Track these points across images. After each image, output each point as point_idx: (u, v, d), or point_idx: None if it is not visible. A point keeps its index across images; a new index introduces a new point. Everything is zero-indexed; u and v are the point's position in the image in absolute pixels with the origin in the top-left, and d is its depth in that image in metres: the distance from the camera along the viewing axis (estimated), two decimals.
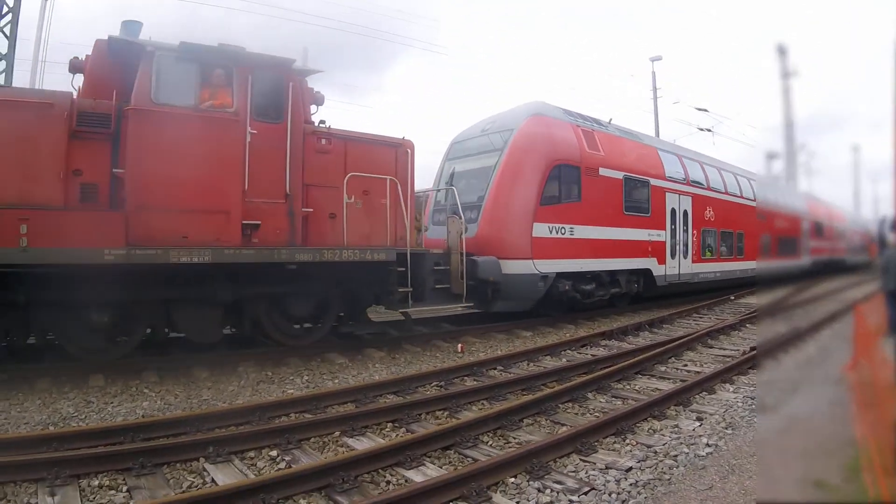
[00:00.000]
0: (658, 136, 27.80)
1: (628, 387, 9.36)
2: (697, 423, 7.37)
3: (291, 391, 8.88)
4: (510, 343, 13.08)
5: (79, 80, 9.84)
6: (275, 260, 9.84)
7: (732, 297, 21.75)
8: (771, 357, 11.36)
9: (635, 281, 17.91)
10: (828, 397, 8.54)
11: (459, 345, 12.21)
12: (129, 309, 9.39)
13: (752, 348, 11.57)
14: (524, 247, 14.53)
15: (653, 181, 18.45)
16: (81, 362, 9.28)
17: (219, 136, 9.55)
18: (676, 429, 7.18)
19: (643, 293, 18.35)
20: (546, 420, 7.56)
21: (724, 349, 12.34)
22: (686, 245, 19.97)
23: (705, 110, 37.74)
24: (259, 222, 9.88)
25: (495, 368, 10.47)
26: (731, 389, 9.16)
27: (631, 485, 5.41)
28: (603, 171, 16.52)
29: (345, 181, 10.82)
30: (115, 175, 8.89)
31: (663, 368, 10.58)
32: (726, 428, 7.18)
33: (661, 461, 6.06)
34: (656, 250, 18.35)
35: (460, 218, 12.87)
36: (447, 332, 13.41)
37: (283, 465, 5.93)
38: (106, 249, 8.32)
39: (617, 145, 17.80)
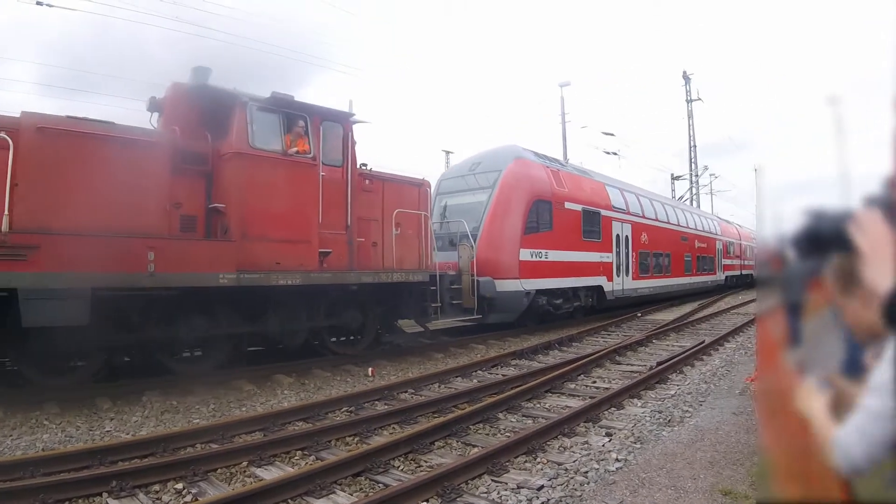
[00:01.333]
0: (566, 159, 30.12)
1: (539, 405, 9.34)
2: (607, 439, 7.39)
3: (197, 420, 8.49)
4: (422, 365, 12.93)
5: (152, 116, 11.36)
6: (347, 281, 12.10)
7: (639, 314, 22.35)
8: (677, 370, 11.64)
9: (590, 295, 21.06)
10: (733, 408, 8.76)
11: (370, 369, 11.99)
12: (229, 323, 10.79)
13: (659, 363, 11.73)
14: (513, 269, 17.29)
15: (603, 212, 21.97)
16: None
17: (301, 177, 11.33)
18: (586, 445, 7.16)
19: (596, 306, 21.48)
20: (457, 442, 7.45)
21: (632, 365, 12.53)
22: (627, 265, 23.57)
23: (612, 134, 38.96)
24: (330, 250, 11.68)
25: (406, 391, 10.30)
26: (639, 404, 9.24)
27: (542, 503, 5.33)
28: (567, 205, 19.81)
29: (393, 215, 13.21)
30: (211, 208, 10.44)
31: (573, 386, 10.63)
32: (635, 442, 7.21)
33: (571, 478, 6.00)
34: (606, 270, 21.84)
35: (471, 246, 16.17)
36: (358, 356, 13.16)
37: (189, 497, 5.64)
38: (221, 274, 9.74)
39: (576, 182, 21.34)
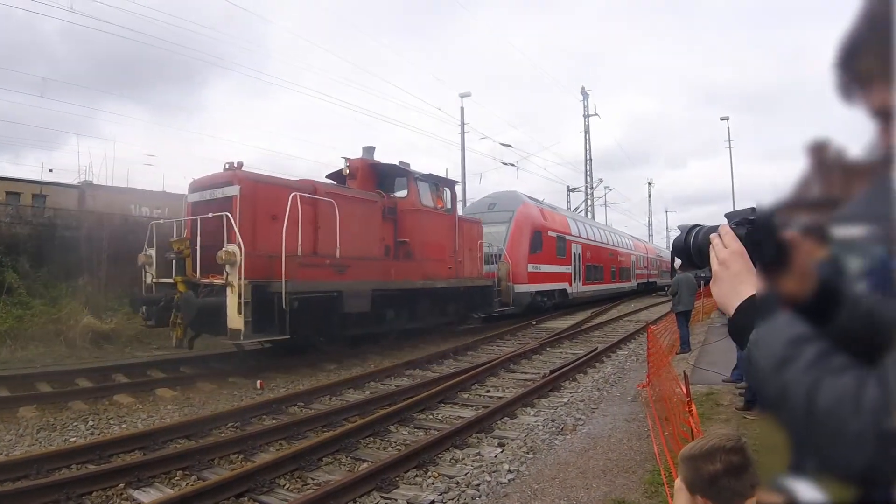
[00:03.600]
0: (464, 169, 36.52)
1: (431, 416, 9.21)
2: (499, 450, 7.32)
3: (75, 439, 8.05)
4: (313, 377, 12.53)
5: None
6: (462, 285, 19.30)
7: (534, 322, 22.61)
8: (570, 378, 11.73)
9: (559, 296, 28.81)
10: (625, 414, 8.85)
11: (259, 381, 11.52)
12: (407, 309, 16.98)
13: (552, 371, 11.79)
14: (525, 277, 25.01)
15: (566, 237, 30.37)
16: None
17: (443, 222, 18.56)
18: (479, 457, 7.07)
19: (561, 303, 28.91)
20: (347, 457, 7.23)
21: (526, 373, 12.59)
22: (579, 274, 31.89)
23: (509, 146, 39.53)
24: (451, 267, 18.59)
25: (296, 405, 9.94)
26: (532, 413, 9.25)
27: None
28: (549, 233, 28.04)
29: (478, 244, 20.91)
30: (397, 241, 16.72)
31: (466, 396, 10.56)
32: (528, 452, 7.16)
33: (463, 492, 5.90)
34: (568, 278, 29.98)
35: (507, 263, 23.29)
36: (247, 368, 12.66)
37: None
38: (417, 281, 16.60)
39: (552, 216, 29.99)
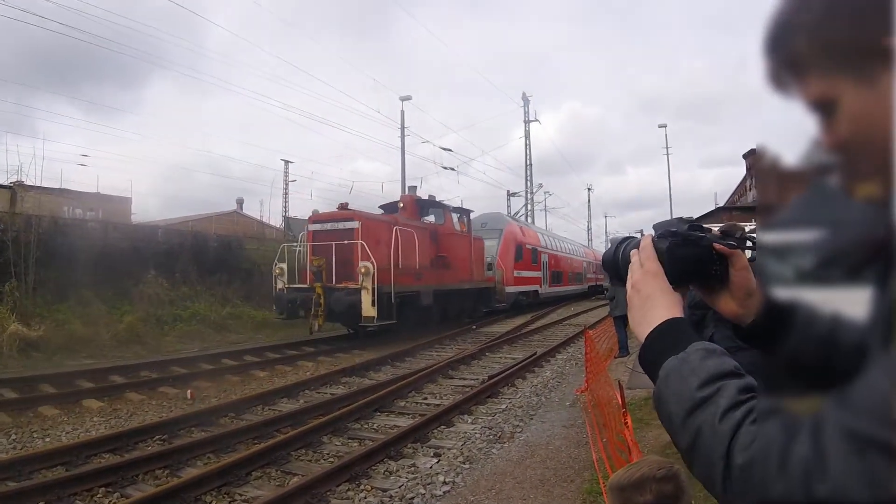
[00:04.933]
0: (404, 173, 37.22)
1: (366, 426, 8.99)
2: (435, 460, 7.17)
3: None
4: (245, 385, 12.19)
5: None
6: (477, 287, 25.45)
7: (475, 327, 22.61)
8: (509, 384, 11.65)
9: (532, 295, 34.87)
10: (563, 420, 8.76)
11: (189, 391, 11.16)
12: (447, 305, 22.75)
13: (491, 377, 11.70)
14: (512, 281, 31.09)
15: (537, 248, 36.67)
16: None
17: (464, 241, 24.54)
18: (413, 468, 6.91)
19: (533, 302, 34.82)
20: (277, 471, 6.99)
21: (465, 379, 12.48)
22: (546, 279, 38.10)
23: (450, 150, 39.73)
24: (470, 273, 24.65)
25: (227, 415, 9.60)
26: (470, 420, 9.13)
27: None
28: (527, 245, 34.33)
29: (482, 256, 26.77)
30: (438, 255, 22.32)
31: (403, 403, 10.37)
32: (464, 462, 7.02)
33: None
34: (538, 281, 36.22)
35: (501, 269, 29.91)
36: (177, 377, 12.24)
37: None
38: (454, 284, 22.91)
39: (528, 231, 37.05)
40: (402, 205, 22.79)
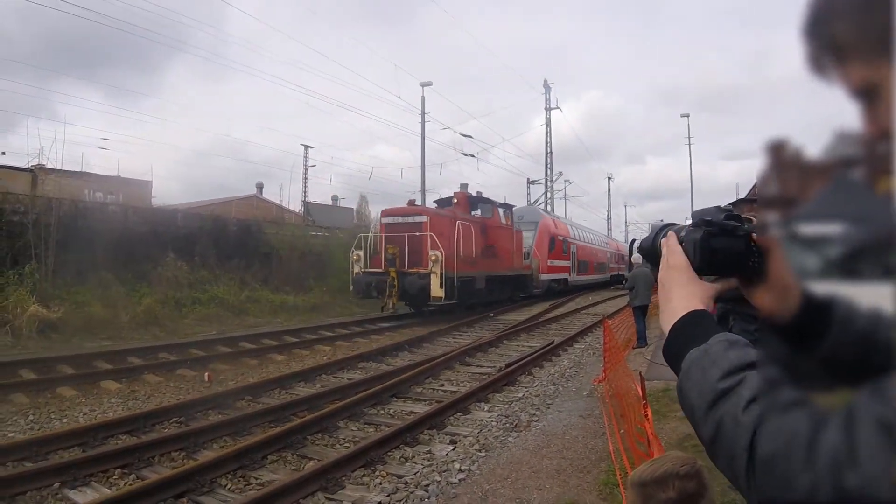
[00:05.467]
0: (423, 159, 38.05)
1: (383, 412, 8.99)
2: (451, 448, 7.15)
3: (13, 434, 7.75)
4: (263, 368, 12.25)
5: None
6: (520, 273, 28.93)
7: (492, 314, 22.53)
8: (526, 372, 11.61)
9: (562, 283, 36.81)
10: (580, 410, 8.71)
11: (206, 373, 11.22)
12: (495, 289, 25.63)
13: (508, 365, 11.66)
14: (546, 269, 33.48)
15: (567, 239, 38.81)
16: None
17: (509, 233, 27.52)
18: (429, 455, 6.90)
19: (563, 289, 36.54)
20: (293, 455, 7.00)
21: (482, 366, 12.47)
22: (575, 268, 40.01)
23: (469, 136, 39.77)
24: (513, 261, 27.69)
25: (244, 398, 9.64)
26: (486, 408, 9.11)
27: None
28: (558, 237, 36.37)
29: (521, 246, 29.34)
30: (487, 246, 24.76)
31: (420, 389, 10.38)
32: (480, 451, 6.99)
33: (411, 492, 5.73)
34: (567, 270, 38.12)
35: (536, 259, 32.36)
36: (195, 360, 12.32)
37: None
38: (501, 271, 26.14)
39: (559, 224, 39.40)
40: (455, 200, 25.56)
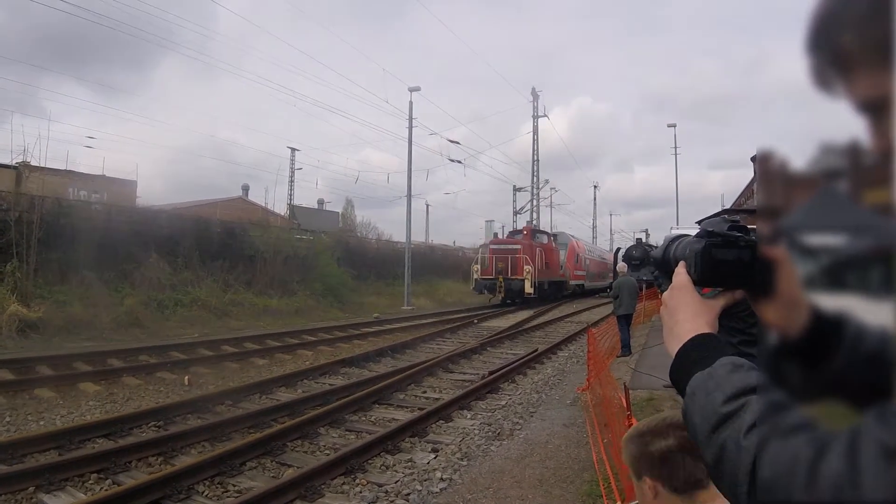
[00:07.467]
0: (410, 164, 36.35)
1: (364, 418, 8.91)
2: (432, 456, 7.08)
3: None
4: (244, 372, 12.13)
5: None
6: (559, 280, 39.74)
7: (476, 321, 22.43)
8: (509, 380, 11.54)
9: (580, 288, 45.04)
10: (563, 419, 8.65)
11: (187, 377, 11.09)
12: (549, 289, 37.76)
13: (491, 372, 11.60)
14: (573, 277, 42.93)
15: (582, 254, 47.43)
16: None
17: (555, 253, 39.40)
18: (410, 463, 6.83)
19: (580, 291, 44.87)
20: (272, 461, 6.91)
21: (465, 373, 12.40)
22: (587, 275, 48.41)
23: (457, 143, 39.76)
24: (557, 271, 39.59)
25: (224, 403, 9.53)
26: (469, 416, 9.05)
27: None
28: (579, 253, 45.73)
29: (560, 260, 41.21)
30: (545, 262, 37.02)
31: (402, 396, 10.30)
32: (462, 459, 6.91)
33: (392, 501, 5.68)
34: (584, 278, 46.53)
35: (569, 270, 42.25)
36: (175, 363, 12.18)
37: None
38: (556, 278, 39.13)
39: (579, 243, 48.02)
40: (524, 232, 36.66)
